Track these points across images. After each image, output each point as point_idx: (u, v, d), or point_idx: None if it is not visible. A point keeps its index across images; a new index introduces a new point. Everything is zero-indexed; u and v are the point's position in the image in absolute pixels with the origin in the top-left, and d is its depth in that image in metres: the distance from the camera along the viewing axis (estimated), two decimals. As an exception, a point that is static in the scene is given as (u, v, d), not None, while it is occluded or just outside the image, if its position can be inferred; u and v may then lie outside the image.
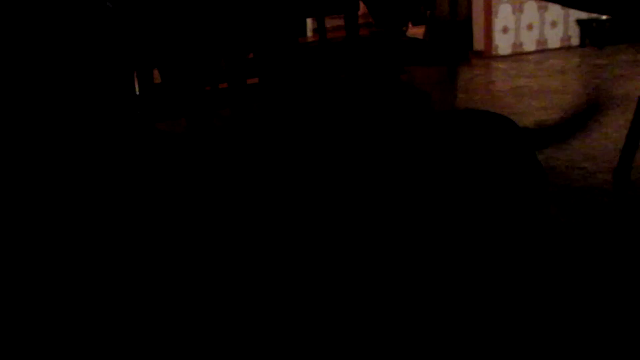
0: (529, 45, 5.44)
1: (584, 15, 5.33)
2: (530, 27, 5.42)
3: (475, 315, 1.43)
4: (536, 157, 1.88)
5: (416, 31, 6.82)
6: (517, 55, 5.33)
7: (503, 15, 5.36)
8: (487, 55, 5.32)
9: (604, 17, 5.08)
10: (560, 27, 5.47)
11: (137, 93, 2.77)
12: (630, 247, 1.74)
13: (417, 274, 1.56)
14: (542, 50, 5.40)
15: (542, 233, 1.79)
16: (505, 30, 5.38)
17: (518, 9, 5.34)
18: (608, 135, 2.75)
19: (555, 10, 5.38)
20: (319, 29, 4.18)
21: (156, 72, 3.20)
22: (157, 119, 2.92)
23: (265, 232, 1.86)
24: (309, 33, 8.30)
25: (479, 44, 5.44)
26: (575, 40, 5.49)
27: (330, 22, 6.60)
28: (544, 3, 5.23)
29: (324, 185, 2.00)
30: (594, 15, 5.14)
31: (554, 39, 5.47)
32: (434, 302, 1.44)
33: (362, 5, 3.40)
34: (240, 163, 2.30)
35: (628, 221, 1.91)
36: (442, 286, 1.50)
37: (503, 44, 5.37)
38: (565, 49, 5.40)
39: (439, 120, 1.88)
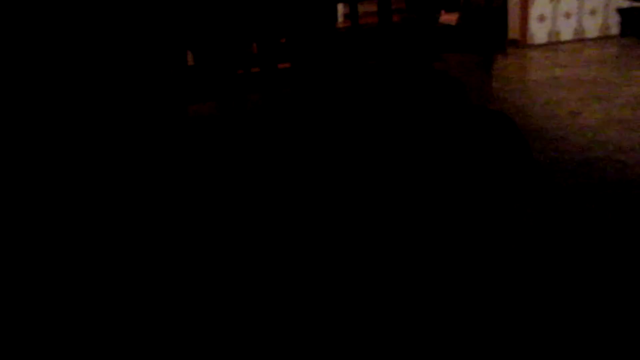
0: (566, 34, 5.29)
1: (625, 3, 5.15)
2: (568, 15, 5.27)
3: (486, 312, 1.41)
4: (532, 156, 1.87)
5: (449, 18, 6.70)
6: (553, 44, 5.19)
7: (540, 3, 5.22)
8: (522, 44, 5.20)
9: (646, 5, 4.90)
10: (599, 15, 5.31)
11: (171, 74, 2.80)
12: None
13: (420, 270, 1.56)
14: (580, 40, 5.25)
15: (543, 229, 1.76)
16: (541, 18, 5.25)
17: (556, -3, 5.20)
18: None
19: (595, -2, 5.22)
20: (351, 15, 4.15)
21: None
22: (189, 102, 2.95)
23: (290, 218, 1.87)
24: (340, 19, 8.22)
25: (514, 32, 5.31)
26: (615, 30, 5.31)
27: (361, 8, 6.53)
28: (583, -9, 5.07)
29: (347, 174, 2.00)
30: (636, 4, 4.96)
31: (592, 28, 5.31)
32: (436, 299, 1.44)
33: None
34: (267, 149, 2.31)
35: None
36: (444, 282, 1.50)
37: (539, 33, 5.25)
38: (604, 38, 5.24)
39: (447, 116, 1.87)
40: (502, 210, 1.75)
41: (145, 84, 2.26)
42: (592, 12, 5.29)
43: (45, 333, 1.34)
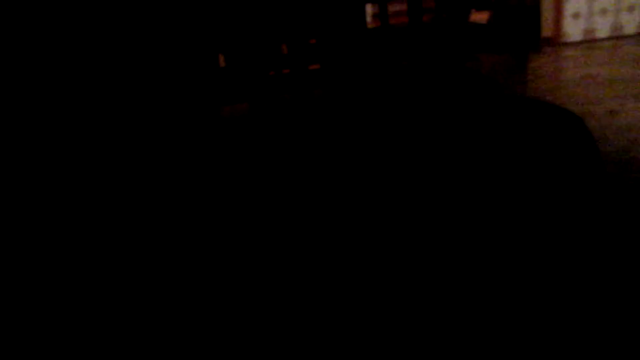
0: (602, 32, 5.16)
1: (664, -1, 5.01)
2: (604, 12, 5.14)
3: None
4: (599, 156, 1.79)
5: (480, 17, 6.62)
6: (589, 42, 5.07)
7: (574, 0, 5.11)
8: (556, 42, 5.10)
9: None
10: (637, 12, 5.16)
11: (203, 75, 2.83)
12: None
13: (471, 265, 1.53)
14: (617, 37, 5.12)
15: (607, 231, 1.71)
16: (576, 15, 5.13)
17: (591, -7, 5.07)
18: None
19: (633, -6, 5.08)
20: (381, 15, 4.13)
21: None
22: (221, 103, 2.99)
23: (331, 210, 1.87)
24: (368, 19, 8.20)
25: (547, 30, 5.21)
26: (653, 26, 5.16)
27: (390, 8, 6.50)
28: (620, -14, 4.93)
29: (382, 174, 1.98)
30: (676, -1, 4.81)
31: (630, 25, 5.17)
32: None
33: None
34: (298, 150, 2.31)
35: None
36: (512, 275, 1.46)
37: (573, 30, 5.13)
38: (642, 35, 5.09)
39: (504, 110, 1.82)
40: (561, 205, 1.68)
41: (179, 85, 2.29)
42: (630, 9, 5.15)
43: (45, 333, 1.35)
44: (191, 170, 2.13)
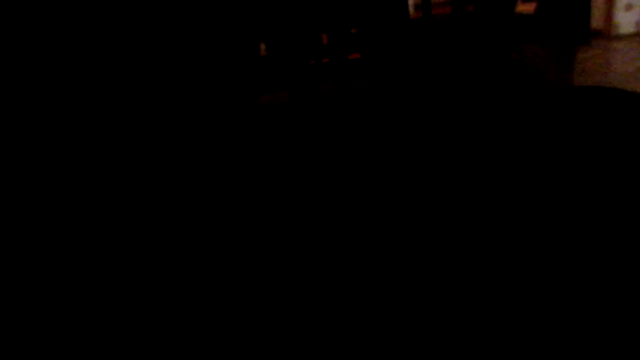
0: (656, 24, 4.95)
1: None
2: (659, 3, 4.92)
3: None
4: None
5: (526, 8, 6.44)
6: (641, 34, 4.87)
7: (628, -9, 4.91)
8: (606, 34, 4.92)
9: None
10: (695, 3, 4.92)
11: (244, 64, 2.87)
12: None
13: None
14: (672, 30, 4.90)
15: None
16: (628, 7, 4.93)
17: (646, -16, 4.86)
18: None
19: (691, -16, 4.84)
20: (423, 5, 4.07)
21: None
22: (261, 92, 3.02)
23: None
24: (410, 9, 8.10)
25: (597, 22, 5.03)
26: None
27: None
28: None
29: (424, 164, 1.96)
30: None
31: (686, 17, 4.94)
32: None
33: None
34: (337, 139, 2.31)
35: None
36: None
37: (625, 22, 4.94)
38: (700, 28, 4.85)
39: (555, 97, 1.78)
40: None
41: (220, 74, 2.32)
42: (687, 0, 4.91)
43: (45, 333, 1.35)
44: (228, 158, 2.16)
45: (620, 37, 4.84)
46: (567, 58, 3.31)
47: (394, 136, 2.09)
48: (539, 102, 1.72)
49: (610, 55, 4.31)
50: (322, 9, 2.86)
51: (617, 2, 4.93)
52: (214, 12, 2.19)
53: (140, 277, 1.59)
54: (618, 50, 4.45)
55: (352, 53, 3.33)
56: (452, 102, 1.98)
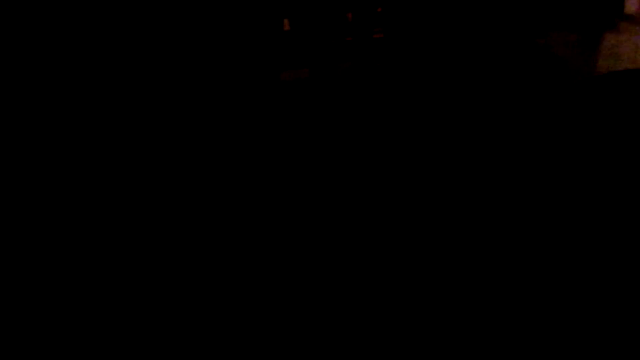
0: (694, 11, 4.77)
1: None
2: (698, -11, 4.74)
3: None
4: None
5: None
6: (677, 21, 4.71)
7: (666, -25, 4.73)
8: (640, 19, 4.76)
9: None
10: None
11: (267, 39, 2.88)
12: None
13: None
14: None
15: None
16: (666, -9, 4.76)
17: (686, -32, 4.67)
18: None
19: None
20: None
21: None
22: (283, 67, 3.03)
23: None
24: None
25: (632, 5, 4.87)
26: None
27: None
28: None
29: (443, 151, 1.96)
30: None
31: None
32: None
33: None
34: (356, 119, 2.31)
35: None
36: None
37: (661, 8, 4.77)
38: None
39: (579, 87, 1.75)
40: None
41: (242, 47, 2.33)
42: None
43: (45, 333, 1.36)
44: (248, 134, 2.18)
45: (654, 23, 4.69)
46: (596, 44, 3.24)
47: (411, 119, 2.09)
48: (557, 91, 1.70)
49: (641, 42, 4.18)
50: None
51: (654, -14, 4.76)
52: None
53: (137, 275, 1.61)
54: (651, 36, 4.31)
55: (376, 32, 3.30)
56: (472, 88, 1.97)
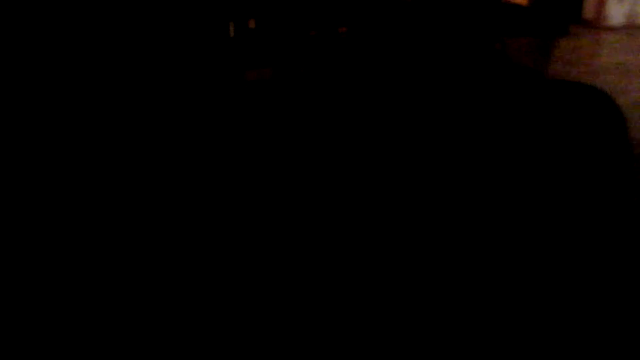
0: (646, 17, 4.98)
1: None
2: (650, -3, 4.95)
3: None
4: (627, 135, 1.77)
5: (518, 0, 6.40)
6: (631, 27, 4.91)
7: (621, -18, 4.92)
8: (597, 25, 4.95)
9: None
10: (686, -1, 4.95)
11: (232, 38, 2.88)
12: None
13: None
14: (661, 24, 4.94)
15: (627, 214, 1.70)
16: (621, -2, 4.95)
17: (640, -24, 4.88)
18: None
19: (684, -21, 4.86)
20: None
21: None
22: (247, 67, 3.04)
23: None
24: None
25: (589, 12, 5.05)
26: (702, 15, 4.96)
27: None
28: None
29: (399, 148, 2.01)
30: None
31: (676, 12, 4.97)
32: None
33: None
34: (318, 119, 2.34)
35: None
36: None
37: (616, 14, 4.96)
38: (689, 23, 4.90)
39: (530, 91, 1.83)
40: (588, 187, 1.66)
41: (203, 47, 2.32)
42: (679, -5, 4.94)
43: (45, 333, 1.35)
44: (211, 135, 2.17)
45: (610, 28, 4.88)
46: (546, 50, 3.36)
47: (372, 124, 2.13)
48: (509, 96, 1.77)
49: (596, 47, 4.36)
50: None
51: (610, -8, 4.94)
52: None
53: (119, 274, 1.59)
54: (606, 41, 4.49)
55: (341, 27, 3.35)
56: (430, 91, 2.03)
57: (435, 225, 1.66)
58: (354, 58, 3.10)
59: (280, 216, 1.77)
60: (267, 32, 3.03)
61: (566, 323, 1.34)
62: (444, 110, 1.93)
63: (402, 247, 1.61)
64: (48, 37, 1.98)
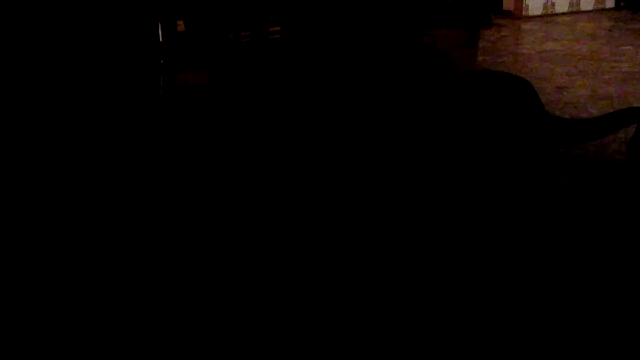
0: (561, 6, 5.28)
1: (621, -24, 5.14)
2: (564, -13, 5.24)
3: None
4: (548, 119, 1.88)
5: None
6: (548, 16, 5.18)
7: (537, -26, 5.19)
8: (517, 15, 5.19)
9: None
10: (595, -12, 5.28)
11: (161, 41, 2.80)
12: (628, 213, 1.78)
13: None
14: (575, 12, 5.24)
15: (544, 194, 1.81)
16: (537, -11, 5.22)
17: (553, -32, 5.16)
18: (630, 105, 2.73)
19: (592, -30, 5.19)
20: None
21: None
22: (180, 70, 2.97)
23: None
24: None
25: (509, 3, 5.29)
26: (610, 3, 5.30)
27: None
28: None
29: (340, 149, 2.03)
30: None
31: (587, 1, 5.29)
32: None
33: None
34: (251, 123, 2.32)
35: (629, 189, 1.93)
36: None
37: (534, 4, 5.22)
38: (599, 11, 5.23)
39: (456, 81, 1.89)
40: (510, 169, 1.74)
41: (132, 51, 2.26)
42: (589, -16, 5.27)
43: (44, 333, 1.34)
44: (141, 141, 2.12)
45: (529, 18, 5.13)
46: (472, 41, 3.49)
47: (307, 119, 2.14)
48: (441, 85, 1.83)
49: (518, 36, 4.57)
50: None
51: (527, -16, 5.20)
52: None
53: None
54: (526, 31, 4.72)
55: (273, 26, 3.33)
56: (363, 82, 2.06)
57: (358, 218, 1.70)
58: (288, 57, 3.10)
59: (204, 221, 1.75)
60: (198, 34, 2.97)
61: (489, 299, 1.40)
62: (378, 104, 1.96)
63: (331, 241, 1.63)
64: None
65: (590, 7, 5.29)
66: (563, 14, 5.24)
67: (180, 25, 3.08)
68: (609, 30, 4.53)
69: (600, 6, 5.30)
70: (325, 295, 1.45)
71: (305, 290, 1.48)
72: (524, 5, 5.21)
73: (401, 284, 1.48)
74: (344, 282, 1.50)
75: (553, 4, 5.27)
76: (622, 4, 5.22)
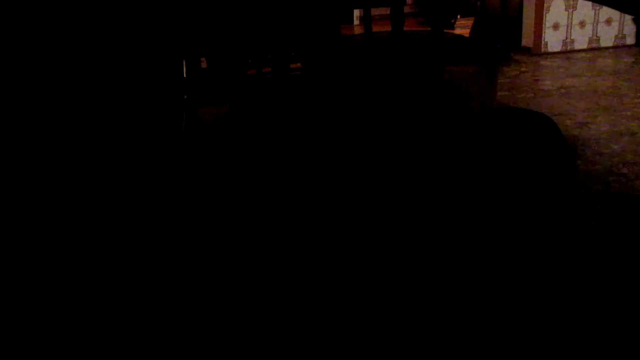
0: (580, 43, 5.29)
1: (641, 13, 5.14)
2: (582, 24, 5.26)
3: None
4: (572, 155, 1.86)
5: (465, 23, 6.70)
6: (567, 53, 5.19)
7: (555, 11, 5.22)
8: (536, 52, 5.21)
9: (662, 16, 4.89)
10: (615, 25, 5.29)
11: (185, 77, 2.88)
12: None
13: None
14: (594, 49, 5.24)
15: (570, 234, 1.78)
16: (556, 26, 5.25)
17: (571, 5, 5.19)
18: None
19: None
20: (365, 18, 4.21)
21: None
22: (202, 104, 3.03)
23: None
24: (356, 21, 8.29)
25: (528, 40, 5.32)
26: (630, 39, 5.30)
27: (375, 11, 6.60)
28: None
29: (357, 180, 2.04)
30: (652, 14, 4.95)
31: (607, 37, 5.30)
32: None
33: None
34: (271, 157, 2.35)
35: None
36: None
37: (553, 41, 5.25)
38: (619, 47, 5.23)
39: (477, 118, 1.90)
40: (533, 209, 1.73)
41: (158, 87, 2.32)
42: (608, 22, 5.28)
43: (44, 333, 1.34)
44: (161, 173, 2.15)
45: (548, 55, 5.15)
46: (491, 78, 3.51)
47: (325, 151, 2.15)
48: (460, 123, 1.83)
49: (537, 72, 4.58)
50: (258, 30, 2.90)
51: (546, 21, 5.24)
52: (144, 23, 2.18)
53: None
54: (546, 67, 4.73)
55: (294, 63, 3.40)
56: (380, 117, 2.08)
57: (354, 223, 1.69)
58: (309, 95, 3.14)
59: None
60: (219, 70, 3.04)
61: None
62: (396, 140, 1.97)
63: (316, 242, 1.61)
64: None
65: (610, 44, 5.29)
66: (582, 50, 5.25)
67: (204, 62, 3.17)
68: (630, 67, 4.52)
69: (620, 42, 5.29)
70: (325, 295, 1.44)
71: (305, 290, 1.47)
72: (543, 42, 5.23)
73: (401, 284, 1.47)
74: (344, 282, 1.49)
75: (572, 41, 5.28)
76: (642, 40, 5.21)
